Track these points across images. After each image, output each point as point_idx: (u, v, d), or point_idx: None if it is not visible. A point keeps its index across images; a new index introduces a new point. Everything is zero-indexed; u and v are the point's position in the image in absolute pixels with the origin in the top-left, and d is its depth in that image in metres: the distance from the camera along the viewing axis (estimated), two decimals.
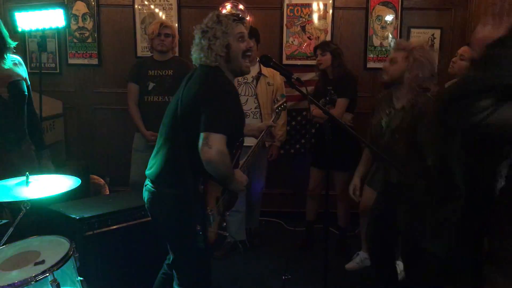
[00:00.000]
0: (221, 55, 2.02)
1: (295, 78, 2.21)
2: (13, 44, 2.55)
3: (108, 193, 4.15)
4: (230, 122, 1.94)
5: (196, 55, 2.06)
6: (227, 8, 4.21)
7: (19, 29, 3.43)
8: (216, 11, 2.13)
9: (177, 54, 3.85)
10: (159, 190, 2.07)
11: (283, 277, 2.96)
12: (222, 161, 1.90)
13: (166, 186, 2.06)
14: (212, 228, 2.06)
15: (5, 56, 2.52)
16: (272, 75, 3.59)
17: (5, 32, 2.52)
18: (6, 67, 2.54)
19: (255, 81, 3.58)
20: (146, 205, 2.16)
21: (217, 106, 1.92)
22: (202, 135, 1.88)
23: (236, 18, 2.07)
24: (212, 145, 1.85)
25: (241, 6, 4.20)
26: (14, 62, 2.64)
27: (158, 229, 2.23)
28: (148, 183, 2.14)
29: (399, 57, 2.38)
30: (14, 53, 2.64)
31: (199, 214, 1.99)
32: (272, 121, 2.62)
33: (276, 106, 2.75)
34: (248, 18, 4.22)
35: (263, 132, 2.53)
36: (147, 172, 2.16)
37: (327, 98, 3.46)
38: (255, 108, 3.57)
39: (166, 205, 2.07)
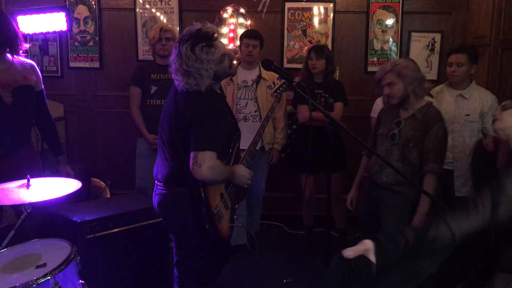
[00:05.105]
0: (210, 82, 2.03)
1: (296, 82, 2.22)
2: (25, 46, 2.55)
3: (109, 196, 4.15)
4: (217, 137, 1.99)
5: (184, 84, 2.00)
6: (228, 12, 4.22)
7: None
8: (182, 43, 1.99)
9: None
10: (170, 190, 2.11)
11: (285, 280, 2.96)
12: (215, 174, 1.97)
13: (176, 185, 2.10)
14: (223, 223, 2.11)
15: (14, 53, 2.52)
16: (273, 79, 3.59)
17: (17, 32, 2.53)
18: (16, 69, 2.52)
19: (255, 84, 3.58)
20: (157, 209, 2.18)
21: (203, 126, 1.97)
22: (191, 154, 1.94)
23: (209, 41, 1.99)
24: (201, 164, 1.91)
25: (242, 10, 4.22)
26: (26, 67, 2.61)
27: (171, 230, 2.25)
28: (158, 187, 2.16)
29: (392, 77, 2.52)
30: (26, 56, 2.62)
31: (205, 214, 2.04)
32: (273, 105, 2.66)
33: (274, 89, 2.75)
34: (249, 22, 4.23)
35: (259, 128, 2.57)
36: (155, 174, 2.18)
37: (317, 101, 3.48)
38: (255, 111, 3.58)
39: (178, 204, 2.11)
